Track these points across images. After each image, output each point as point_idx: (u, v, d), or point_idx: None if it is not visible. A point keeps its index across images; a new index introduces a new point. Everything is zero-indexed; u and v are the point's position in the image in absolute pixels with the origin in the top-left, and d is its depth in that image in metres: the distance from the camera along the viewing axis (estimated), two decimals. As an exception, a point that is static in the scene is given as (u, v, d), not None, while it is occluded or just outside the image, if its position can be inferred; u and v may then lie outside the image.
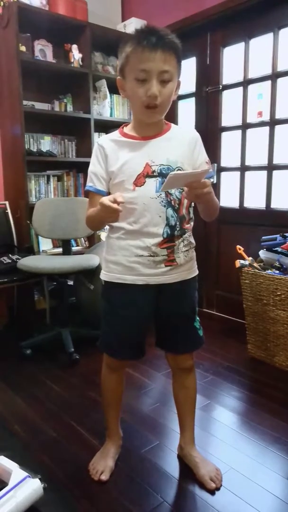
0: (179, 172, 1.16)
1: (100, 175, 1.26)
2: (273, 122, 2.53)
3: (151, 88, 1.11)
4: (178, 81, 1.20)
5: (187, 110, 3.05)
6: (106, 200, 1.09)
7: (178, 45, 1.15)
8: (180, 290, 1.30)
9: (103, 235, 3.00)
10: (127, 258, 1.24)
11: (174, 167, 1.20)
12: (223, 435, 1.65)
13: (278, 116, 2.51)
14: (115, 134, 1.28)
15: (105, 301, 1.35)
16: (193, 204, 1.29)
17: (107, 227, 1.32)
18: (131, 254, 1.24)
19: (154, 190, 1.19)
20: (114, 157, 1.23)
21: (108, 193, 1.26)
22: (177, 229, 1.23)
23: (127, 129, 1.27)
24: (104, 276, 1.32)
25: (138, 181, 1.20)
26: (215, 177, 2.86)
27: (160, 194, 1.19)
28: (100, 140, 1.28)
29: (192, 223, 1.30)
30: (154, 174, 1.19)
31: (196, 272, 1.35)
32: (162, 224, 1.21)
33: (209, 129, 2.87)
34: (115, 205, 1.07)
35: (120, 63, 1.18)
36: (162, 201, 1.20)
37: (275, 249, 2.23)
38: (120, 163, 1.22)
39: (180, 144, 1.24)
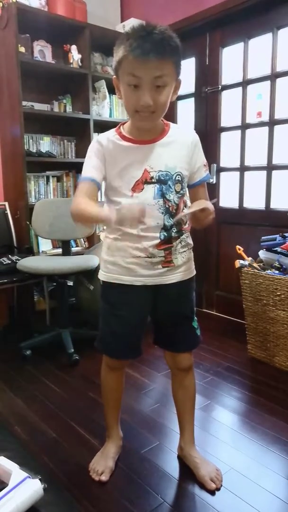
0: (186, 211, 1.19)
1: (98, 167, 1.21)
2: (272, 122, 2.53)
3: (143, 97, 1.07)
4: (178, 80, 1.14)
5: (186, 110, 3.06)
6: (136, 208, 1.02)
7: (177, 48, 1.08)
8: (178, 291, 1.30)
9: (102, 235, 3.00)
10: (124, 259, 1.24)
11: (172, 173, 1.20)
12: (223, 435, 1.65)
13: (277, 116, 2.51)
14: (113, 135, 1.23)
15: (103, 301, 1.35)
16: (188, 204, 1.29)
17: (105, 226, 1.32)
18: (128, 255, 1.23)
19: (152, 197, 1.18)
20: (112, 160, 1.21)
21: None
22: (174, 231, 1.23)
23: (125, 131, 1.23)
24: (102, 276, 1.33)
25: (137, 188, 1.18)
26: (214, 177, 2.86)
27: (158, 201, 1.19)
28: (99, 138, 1.25)
29: (188, 223, 1.29)
30: (153, 180, 1.18)
31: (194, 273, 1.35)
32: (159, 228, 1.21)
33: (209, 129, 2.87)
34: (139, 219, 1.03)
35: (114, 63, 1.13)
36: (160, 208, 1.19)
37: (275, 249, 2.23)
38: (119, 167, 1.20)
39: (179, 149, 1.22)
